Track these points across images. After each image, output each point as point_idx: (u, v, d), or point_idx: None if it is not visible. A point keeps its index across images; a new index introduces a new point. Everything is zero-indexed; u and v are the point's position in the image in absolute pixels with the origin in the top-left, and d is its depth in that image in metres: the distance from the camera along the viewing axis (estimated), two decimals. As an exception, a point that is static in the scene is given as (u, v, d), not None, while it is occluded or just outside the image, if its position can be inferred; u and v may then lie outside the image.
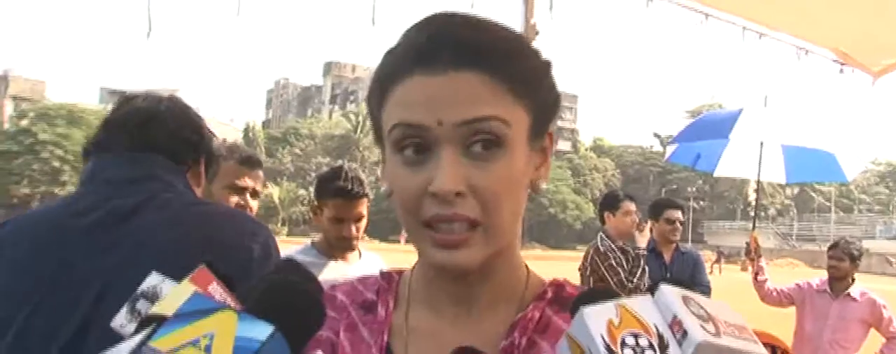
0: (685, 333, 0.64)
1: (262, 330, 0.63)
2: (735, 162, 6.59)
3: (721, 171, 6.90)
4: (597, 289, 0.76)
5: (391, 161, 0.87)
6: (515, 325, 0.91)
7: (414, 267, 1.00)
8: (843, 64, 4.15)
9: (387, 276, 1.01)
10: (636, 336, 0.65)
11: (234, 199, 2.72)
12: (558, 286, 0.97)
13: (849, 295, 5.33)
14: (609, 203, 5.03)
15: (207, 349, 0.61)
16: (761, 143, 5.95)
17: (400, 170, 0.85)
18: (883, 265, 37.19)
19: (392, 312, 0.96)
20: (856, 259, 5.42)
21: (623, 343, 0.64)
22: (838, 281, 5.41)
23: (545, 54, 0.92)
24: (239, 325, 0.63)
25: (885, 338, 5.30)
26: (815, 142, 5.93)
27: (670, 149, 6.87)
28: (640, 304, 0.68)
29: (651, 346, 0.64)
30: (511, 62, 0.85)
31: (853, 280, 5.42)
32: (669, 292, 0.68)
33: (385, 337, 0.93)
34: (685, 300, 0.67)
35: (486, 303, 0.93)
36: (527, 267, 0.98)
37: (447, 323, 0.93)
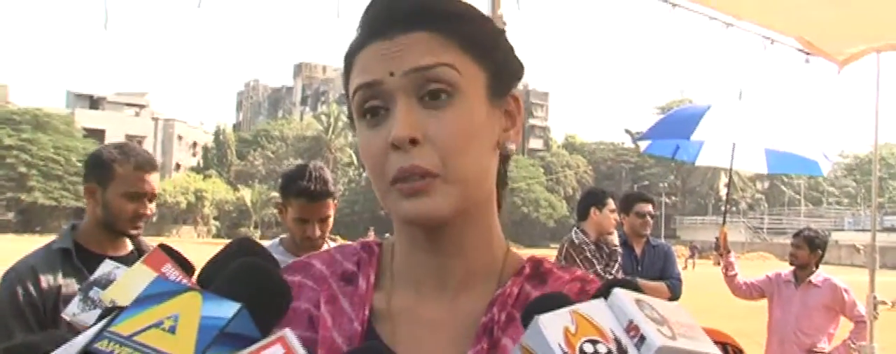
0: (643, 338, 0.63)
1: (227, 309, 0.61)
2: (715, 153, 6.63)
3: (702, 161, 6.96)
4: (547, 296, 0.74)
5: (359, 130, 0.90)
6: (494, 301, 0.92)
7: (393, 242, 1.00)
8: (808, 53, 4.19)
9: (367, 247, 1.00)
10: (594, 343, 0.63)
11: (132, 207, 2.58)
12: (536, 261, 0.98)
13: (811, 282, 5.41)
14: (596, 198, 5.07)
15: (172, 330, 0.60)
16: (733, 145, 6.00)
17: (364, 134, 0.88)
18: (852, 256, 37.68)
19: (373, 285, 0.95)
20: (817, 247, 5.49)
21: (581, 352, 0.63)
22: (801, 269, 5.50)
23: (512, 42, 0.97)
24: (204, 305, 0.61)
25: (852, 323, 5.37)
26: (798, 147, 5.94)
27: (643, 143, 6.90)
28: (594, 309, 0.67)
29: (610, 352, 0.63)
30: (458, 22, 0.90)
31: (817, 267, 5.49)
32: (623, 296, 0.67)
33: (366, 311, 0.93)
34: (639, 303, 0.67)
35: (463, 278, 0.94)
36: (507, 245, 0.99)
37: (426, 300, 0.94)
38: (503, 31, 0.95)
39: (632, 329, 0.65)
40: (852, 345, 5.21)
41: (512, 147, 0.95)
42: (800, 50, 4.19)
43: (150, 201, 2.65)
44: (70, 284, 2.50)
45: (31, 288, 2.45)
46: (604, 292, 0.70)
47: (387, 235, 0.99)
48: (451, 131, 0.85)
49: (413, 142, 0.83)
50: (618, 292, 0.68)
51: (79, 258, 2.55)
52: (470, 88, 0.87)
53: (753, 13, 3.87)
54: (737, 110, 6.20)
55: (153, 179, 2.66)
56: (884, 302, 5.08)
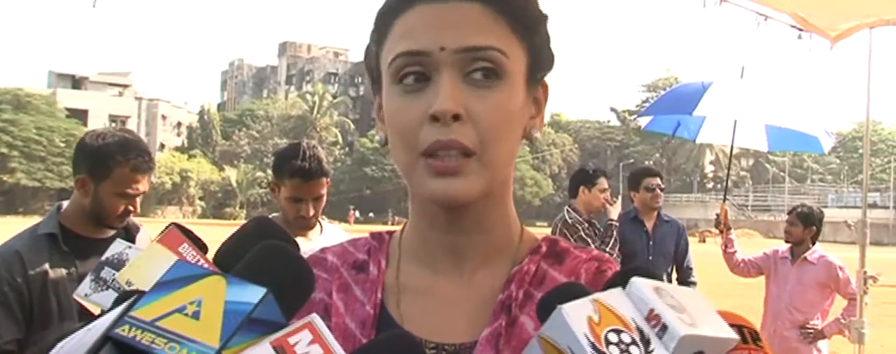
0: (664, 327, 0.63)
1: (253, 293, 0.59)
2: (716, 130, 6.66)
3: (703, 138, 7.00)
4: (563, 286, 0.73)
5: (389, 94, 0.86)
6: (512, 278, 0.91)
7: (404, 228, 0.99)
8: (801, 30, 4.18)
9: (377, 236, 1.00)
10: (618, 333, 0.63)
11: (123, 205, 2.53)
12: (552, 241, 0.97)
13: (806, 258, 5.43)
14: (585, 177, 5.11)
15: (195, 315, 0.58)
16: (735, 122, 6.02)
17: (399, 100, 0.84)
18: (835, 232, 38.06)
19: (384, 270, 0.95)
20: (811, 223, 5.50)
21: (607, 341, 0.62)
22: (796, 246, 5.53)
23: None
24: (228, 289, 0.59)
25: (845, 300, 5.39)
26: (798, 124, 5.97)
27: (644, 120, 6.92)
28: (614, 299, 0.66)
29: (634, 342, 0.62)
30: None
31: (813, 243, 5.51)
32: (642, 284, 0.67)
33: (378, 295, 0.92)
34: (657, 291, 0.66)
35: (480, 256, 0.92)
36: (521, 224, 0.98)
37: (441, 279, 0.93)
38: (546, 17, 0.92)
39: (652, 317, 0.64)
40: (843, 321, 5.24)
41: (537, 135, 0.93)
42: (793, 26, 4.18)
43: (140, 198, 2.59)
44: (57, 269, 2.45)
45: (17, 274, 2.38)
46: (620, 280, 0.69)
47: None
48: (494, 112, 0.83)
49: (455, 117, 0.81)
50: (636, 281, 0.67)
51: (65, 242, 2.50)
52: (514, 71, 0.85)
53: (748, -11, 3.85)
54: (738, 87, 6.21)
55: (147, 179, 2.59)
56: (873, 278, 5.10)
